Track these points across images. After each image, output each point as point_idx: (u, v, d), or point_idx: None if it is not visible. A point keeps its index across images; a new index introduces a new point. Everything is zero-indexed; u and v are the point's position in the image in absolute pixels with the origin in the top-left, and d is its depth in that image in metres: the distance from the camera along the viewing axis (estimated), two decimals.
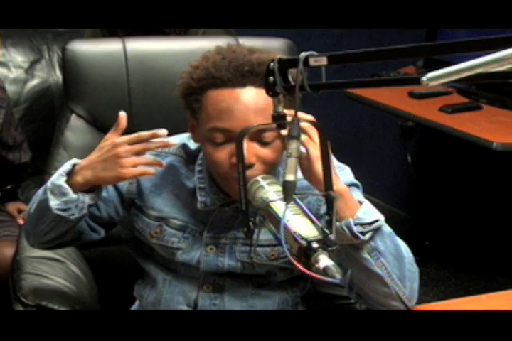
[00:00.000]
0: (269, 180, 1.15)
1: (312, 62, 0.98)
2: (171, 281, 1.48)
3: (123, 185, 1.43)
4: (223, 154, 1.27)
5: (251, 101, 1.24)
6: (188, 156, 1.43)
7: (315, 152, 1.19)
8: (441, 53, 0.86)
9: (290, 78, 1.04)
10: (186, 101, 1.32)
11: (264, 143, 1.27)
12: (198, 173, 1.40)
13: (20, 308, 1.50)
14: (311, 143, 1.21)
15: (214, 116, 1.26)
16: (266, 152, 1.27)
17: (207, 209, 1.39)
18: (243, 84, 1.25)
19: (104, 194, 1.40)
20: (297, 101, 1.00)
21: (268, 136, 1.26)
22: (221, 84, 1.26)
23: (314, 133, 1.21)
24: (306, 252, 1.00)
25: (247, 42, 1.53)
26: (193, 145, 1.43)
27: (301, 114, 1.18)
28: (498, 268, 2.89)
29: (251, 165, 1.25)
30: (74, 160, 1.32)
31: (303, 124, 1.16)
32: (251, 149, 1.25)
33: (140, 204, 1.44)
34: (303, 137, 1.19)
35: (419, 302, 1.35)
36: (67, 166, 1.31)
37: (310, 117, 1.21)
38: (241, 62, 1.25)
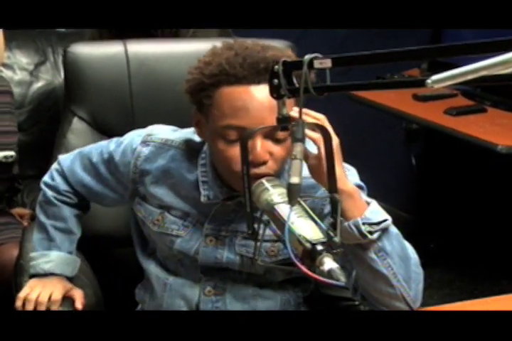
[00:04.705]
0: (274, 182, 1.15)
1: (317, 64, 0.98)
2: (172, 285, 1.47)
3: (127, 175, 1.44)
4: (237, 151, 1.24)
5: (266, 98, 1.20)
6: (190, 150, 1.42)
7: None
8: (447, 55, 0.86)
9: (294, 80, 1.04)
10: (195, 97, 1.31)
11: (277, 141, 1.27)
12: (201, 167, 1.40)
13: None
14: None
15: (228, 113, 1.26)
16: (278, 149, 1.27)
17: (210, 202, 1.39)
18: (258, 82, 1.24)
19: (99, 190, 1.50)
20: (301, 103, 0.99)
21: (282, 133, 1.25)
22: (235, 81, 1.25)
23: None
24: (310, 255, 1.00)
25: None
26: (197, 138, 1.43)
27: (312, 113, 1.19)
28: (503, 271, 2.88)
29: (264, 163, 1.25)
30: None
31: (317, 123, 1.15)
32: (265, 146, 1.26)
33: (143, 192, 1.45)
34: (316, 136, 1.18)
35: (424, 305, 1.35)
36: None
37: (321, 116, 1.20)
38: (256, 59, 1.25)
